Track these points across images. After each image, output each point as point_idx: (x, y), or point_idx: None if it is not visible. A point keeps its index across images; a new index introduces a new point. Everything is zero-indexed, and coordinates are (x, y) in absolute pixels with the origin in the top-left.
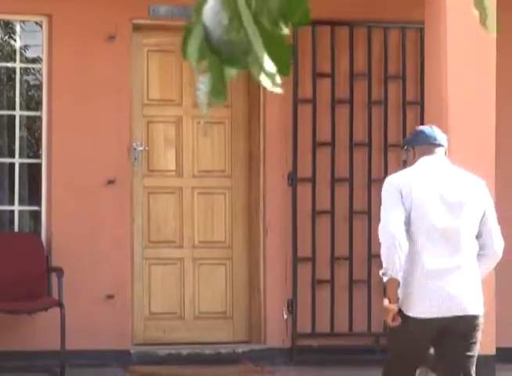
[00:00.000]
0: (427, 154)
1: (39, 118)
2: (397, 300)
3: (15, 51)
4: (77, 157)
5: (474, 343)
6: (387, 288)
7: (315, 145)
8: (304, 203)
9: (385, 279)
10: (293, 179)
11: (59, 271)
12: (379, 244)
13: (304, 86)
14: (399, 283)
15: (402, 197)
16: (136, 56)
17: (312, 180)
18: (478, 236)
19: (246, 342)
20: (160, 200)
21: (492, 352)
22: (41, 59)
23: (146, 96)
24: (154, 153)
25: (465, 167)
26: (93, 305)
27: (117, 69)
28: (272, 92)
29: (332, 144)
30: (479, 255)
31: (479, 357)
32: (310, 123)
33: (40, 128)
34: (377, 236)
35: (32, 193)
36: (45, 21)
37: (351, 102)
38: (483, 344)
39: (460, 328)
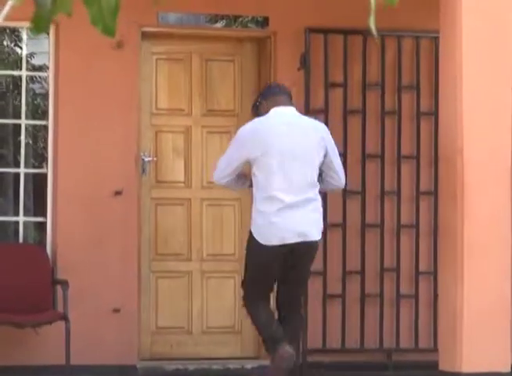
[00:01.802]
0: (276, 105)
1: (45, 127)
2: None
3: (21, 59)
4: (84, 167)
5: (311, 261)
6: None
7: None
8: None
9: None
10: None
11: (65, 284)
12: (392, 258)
13: (316, 96)
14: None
15: (248, 144)
16: (145, 65)
17: (323, 193)
18: (326, 172)
19: (255, 358)
20: (168, 211)
21: (507, 368)
22: (48, 68)
23: (155, 105)
24: (162, 164)
25: (481, 178)
26: (99, 318)
27: (125, 77)
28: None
29: (344, 155)
30: (329, 183)
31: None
32: None
33: (46, 137)
34: (390, 249)
35: (37, 204)
36: (52, 28)
37: (363, 112)
38: (497, 360)
39: (303, 251)
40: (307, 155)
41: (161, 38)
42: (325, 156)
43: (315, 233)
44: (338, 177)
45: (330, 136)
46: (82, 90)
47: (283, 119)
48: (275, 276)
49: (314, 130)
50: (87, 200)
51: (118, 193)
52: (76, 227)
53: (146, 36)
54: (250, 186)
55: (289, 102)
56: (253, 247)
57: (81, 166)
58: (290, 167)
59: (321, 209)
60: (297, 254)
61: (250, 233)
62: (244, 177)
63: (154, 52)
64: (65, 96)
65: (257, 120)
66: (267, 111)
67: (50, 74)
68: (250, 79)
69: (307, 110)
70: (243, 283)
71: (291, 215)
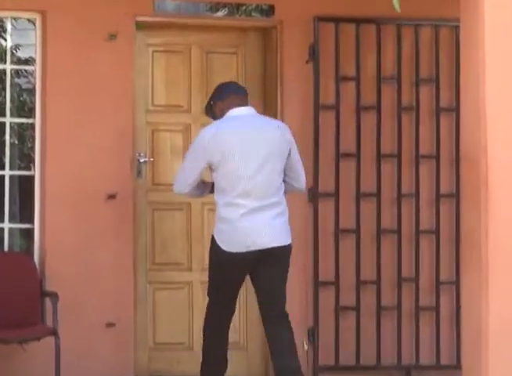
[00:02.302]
0: (234, 105)
1: (32, 126)
2: None
3: (5, 51)
4: (74, 169)
5: (286, 268)
6: None
7: (339, 156)
8: (326, 220)
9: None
10: (314, 194)
11: (54, 296)
12: (410, 267)
13: (326, 91)
14: None
15: (205, 154)
16: (140, 57)
17: (335, 195)
18: (287, 174)
19: None
20: (166, 216)
21: None
22: (35, 61)
23: (151, 102)
24: (160, 165)
25: (507, 178)
26: (92, 333)
27: (118, 71)
28: (290, 96)
29: (357, 155)
30: (290, 185)
31: None
32: (333, 131)
33: (33, 136)
34: (408, 257)
35: (24, 209)
36: (38, 18)
37: (378, 108)
38: None
39: (273, 256)
40: (271, 158)
41: (158, 29)
42: (288, 157)
43: (283, 238)
44: (300, 179)
45: (292, 136)
46: (72, 85)
47: (244, 121)
48: (239, 283)
49: (277, 131)
50: (78, 205)
51: (112, 196)
52: (66, 234)
53: (141, 26)
54: (211, 191)
55: (247, 101)
56: (215, 254)
57: (72, 168)
58: (253, 171)
59: (287, 212)
60: (266, 261)
61: (213, 239)
62: (203, 184)
63: (150, 44)
64: (53, 92)
65: (215, 124)
66: (223, 113)
67: (37, 68)
68: (254, 73)
69: (316, 107)
70: (209, 293)
71: (256, 220)
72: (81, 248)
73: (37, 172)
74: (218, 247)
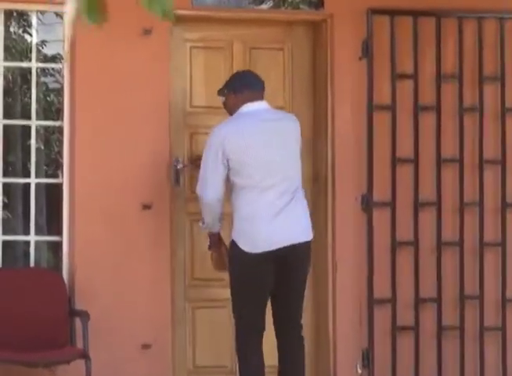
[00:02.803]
0: (247, 100)
1: (59, 129)
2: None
3: (30, 48)
4: (106, 176)
5: (308, 269)
6: (209, 238)
7: (395, 161)
8: (381, 232)
9: (204, 230)
10: (368, 203)
11: (84, 315)
12: (474, 283)
13: (381, 89)
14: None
15: (224, 152)
16: (177, 54)
17: (391, 204)
18: None
19: None
20: None
21: None
22: (62, 58)
23: (189, 103)
24: (199, 172)
25: None
26: (125, 356)
27: (153, 69)
28: (341, 96)
29: (415, 160)
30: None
31: None
32: (388, 134)
33: (60, 141)
34: (472, 272)
35: (51, 220)
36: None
37: (438, 109)
38: None
39: (295, 255)
40: (291, 150)
41: (196, 23)
42: None
43: (308, 233)
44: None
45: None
46: (103, 84)
47: (260, 115)
48: (267, 290)
49: (294, 124)
50: (110, 216)
51: (147, 206)
52: (97, 248)
53: (178, 20)
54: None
55: (262, 95)
56: (238, 259)
57: (103, 175)
58: (273, 164)
59: (307, 209)
60: (292, 260)
61: (232, 244)
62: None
63: (188, 39)
64: (83, 92)
65: (230, 120)
66: (236, 106)
67: (65, 66)
68: (302, 70)
69: (369, 107)
70: (234, 308)
71: (281, 216)
72: (113, 263)
73: (65, 180)
74: (241, 251)
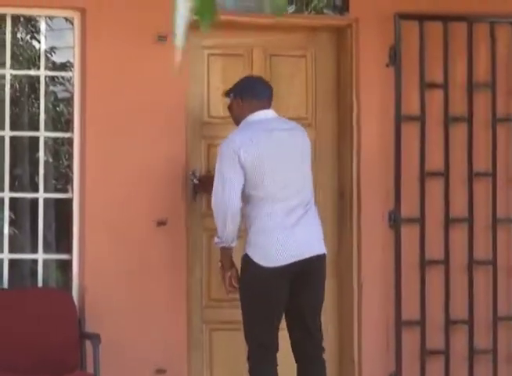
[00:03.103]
0: (255, 109)
1: (69, 141)
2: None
3: (39, 55)
4: (119, 190)
5: (324, 285)
6: (222, 256)
7: (424, 175)
8: (410, 250)
9: (219, 245)
10: (395, 220)
11: (95, 338)
12: (508, 304)
13: (410, 99)
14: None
15: (239, 161)
16: (194, 61)
17: (420, 221)
18: None
19: None
20: None
21: None
22: (72, 66)
23: (207, 113)
24: None
25: None
26: None
27: (169, 78)
28: (368, 106)
29: (446, 174)
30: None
31: None
32: (417, 146)
33: (70, 153)
34: (506, 292)
35: (60, 238)
36: (76, 17)
37: (469, 119)
38: None
39: (314, 269)
40: (303, 161)
41: (214, 28)
42: None
43: (322, 245)
44: None
45: None
46: (115, 94)
47: (270, 125)
48: (282, 308)
49: (303, 133)
50: (123, 233)
51: (162, 222)
52: (109, 266)
53: (194, 26)
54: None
55: (270, 104)
56: (253, 275)
57: (115, 189)
58: (287, 175)
59: (320, 221)
60: (308, 275)
61: (245, 258)
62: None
63: (205, 46)
64: (94, 101)
65: (240, 131)
66: (243, 114)
67: (75, 74)
68: (325, 78)
69: (397, 118)
70: (247, 327)
71: (296, 227)
72: (126, 283)
73: (75, 195)
74: (256, 266)
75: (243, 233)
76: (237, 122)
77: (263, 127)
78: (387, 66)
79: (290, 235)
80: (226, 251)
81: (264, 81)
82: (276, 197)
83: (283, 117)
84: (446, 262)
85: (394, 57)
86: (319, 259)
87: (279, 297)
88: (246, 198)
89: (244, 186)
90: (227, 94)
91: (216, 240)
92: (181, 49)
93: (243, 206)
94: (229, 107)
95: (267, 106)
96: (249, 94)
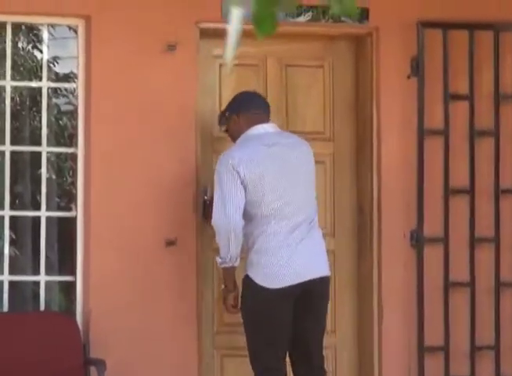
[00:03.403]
0: (253, 123)
1: (73, 156)
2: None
3: (41, 66)
4: (125, 209)
5: (327, 308)
6: (225, 276)
7: (448, 191)
8: (433, 271)
9: (222, 266)
10: (418, 239)
11: (101, 364)
12: None
13: (433, 112)
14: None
15: (240, 177)
16: (205, 72)
17: (444, 240)
18: None
19: None
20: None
21: None
22: (77, 77)
23: (218, 126)
24: None
25: None
26: None
27: (178, 89)
28: (388, 119)
29: (471, 190)
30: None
31: None
32: (441, 161)
33: (74, 169)
34: None
35: (63, 258)
36: (81, 25)
37: (496, 133)
38: None
39: (318, 290)
40: (306, 177)
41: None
42: None
43: (326, 267)
44: None
45: None
46: (122, 106)
47: (271, 140)
48: (289, 330)
49: (306, 148)
50: (129, 254)
51: (171, 243)
52: (115, 289)
53: (206, 34)
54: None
55: (268, 117)
56: (255, 298)
57: (122, 207)
58: (289, 192)
59: (324, 241)
60: (310, 297)
61: (246, 280)
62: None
63: (217, 56)
64: (99, 115)
65: (238, 146)
66: (241, 130)
67: (79, 86)
68: (344, 90)
69: (420, 131)
70: (252, 352)
71: (299, 247)
72: (133, 306)
73: (79, 213)
74: (258, 288)
75: (243, 254)
76: (235, 140)
77: (263, 142)
78: (409, 77)
79: (294, 254)
80: (229, 271)
81: (260, 95)
82: (279, 214)
83: (302, 131)
84: (472, 284)
85: (417, 67)
86: (323, 281)
87: (283, 319)
88: (247, 216)
89: (245, 204)
90: (221, 119)
91: (218, 260)
92: (231, 63)
93: (245, 225)
94: (227, 130)
95: (265, 119)
96: (245, 108)
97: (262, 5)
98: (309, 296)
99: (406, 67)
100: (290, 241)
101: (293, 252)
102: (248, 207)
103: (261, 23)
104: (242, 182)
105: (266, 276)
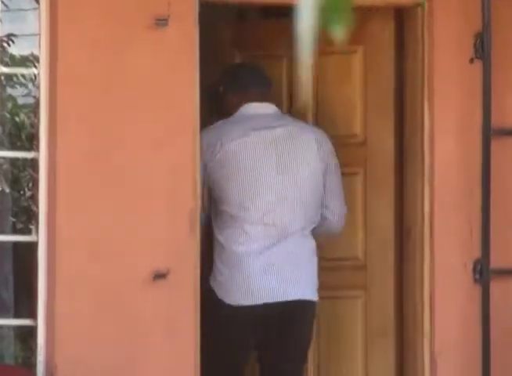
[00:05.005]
0: (249, 100)
1: (33, 163)
2: None
3: None
4: (100, 232)
5: (308, 339)
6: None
7: None
8: (502, 312)
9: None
10: (483, 271)
11: None
12: None
13: (503, 104)
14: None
15: (207, 159)
16: None
17: None
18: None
19: None
20: None
21: None
22: (38, 60)
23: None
24: None
25: None
26: None
27: (170, 76)
28: (444, 115)
29: None
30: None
31: None
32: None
33: (35, 180)
34: None
35: (21, 297)
36: None
37: None
38: None
39: (295, 316)
40: (310, 178)
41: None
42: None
43: (310, 290)
44: (332, 214)
45: (332, 150)
46: (98, 97)
47: (263, 125)
48: (249, 355)
49: (314, 144)
50: (106, 290)
51: (160, 275)
52: (87, 337)
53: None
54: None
55: (268, 96)
56: (216, 316)
57: (96, 230)
58: (272, 194)
59: (316, 259)
60: (283, 323)
61: (209, 294)
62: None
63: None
64: (68, 109)
65: (219, 125)
66: (232, 108)
67: (42, 72)
68: (384, 79)
69: (486, 130)
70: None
71: (275, 261)
72: (110, 359)
73: (41, 238)
74: (219, 304)
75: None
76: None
77: (254, 124)
78: (471, 61)
79: (271, 269)
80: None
81: (256, 66)
82: (258, 216)
83: (332, 133)
84: None
85: (482, 49)
86: (305, 306)
87: (244, 344)
88: (216, 216)
89: (216, 200)
90: (212, 92)
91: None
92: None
93: (213, 226)
94: (218, 109)
95: (265, 97)
96: (239, 84)
97: None
98: (278, 324)
99: (468, 48)
100: (267, 252)
101: (269, 267)
102: (218, 203)
103: (335, 23)
104: (211, 169)
105: (227, 292)
